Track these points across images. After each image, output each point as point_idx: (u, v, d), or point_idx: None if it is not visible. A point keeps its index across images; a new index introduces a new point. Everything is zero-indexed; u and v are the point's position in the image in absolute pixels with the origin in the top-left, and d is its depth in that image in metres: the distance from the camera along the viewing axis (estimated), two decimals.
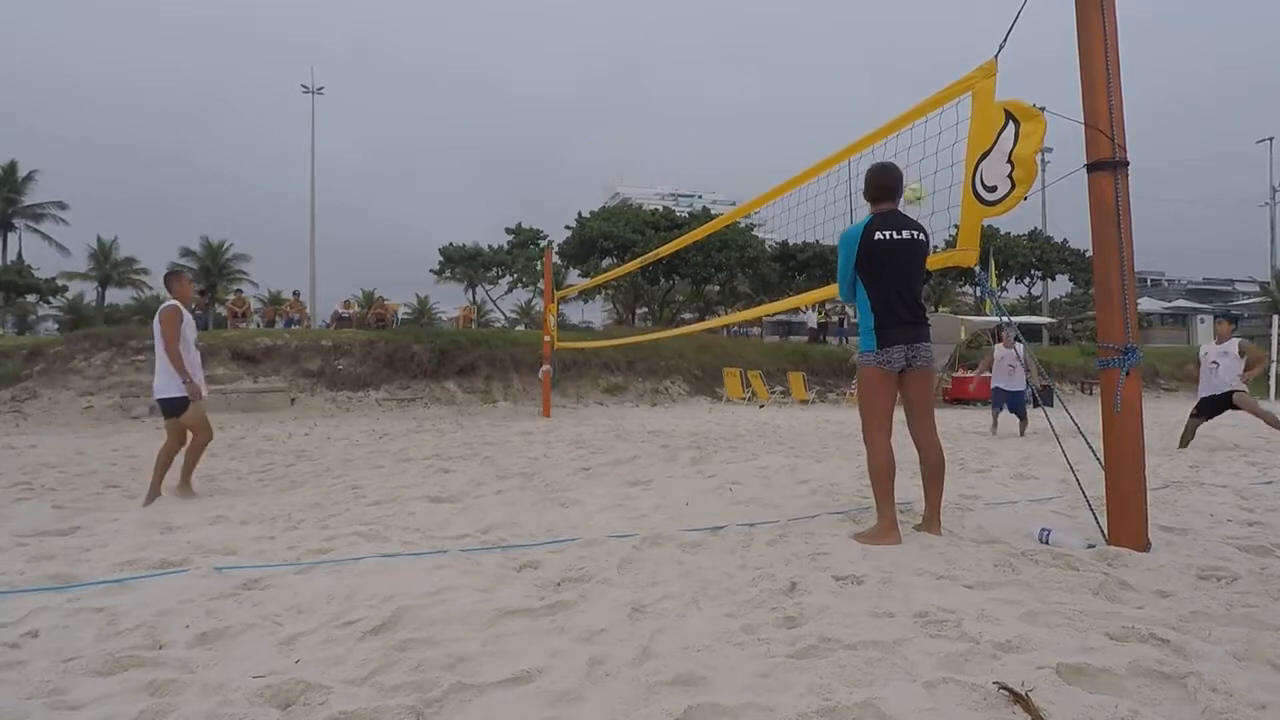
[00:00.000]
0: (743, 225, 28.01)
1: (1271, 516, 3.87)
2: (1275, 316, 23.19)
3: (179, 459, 4.99)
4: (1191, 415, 7.62)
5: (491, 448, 7.71)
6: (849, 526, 3.65)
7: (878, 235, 3.38)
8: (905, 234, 3.43)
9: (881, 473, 3.38)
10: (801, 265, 28.72)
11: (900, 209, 3.57)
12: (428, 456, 6.96)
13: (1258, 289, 40.51)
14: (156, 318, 4.90)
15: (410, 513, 4.18)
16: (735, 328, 27.61)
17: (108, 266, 37.95)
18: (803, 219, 6.10)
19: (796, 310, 30.88)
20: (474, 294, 35.20)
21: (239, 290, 24.25)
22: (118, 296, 40.51)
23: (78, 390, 12.68)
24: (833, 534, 3.45)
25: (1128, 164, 3.21)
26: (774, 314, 29.81)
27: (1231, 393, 7.35)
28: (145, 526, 3.82)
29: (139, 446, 7.89)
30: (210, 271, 37.00)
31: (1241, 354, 7.43)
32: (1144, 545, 3.07)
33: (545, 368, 13.28)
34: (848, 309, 30.30)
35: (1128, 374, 3.14)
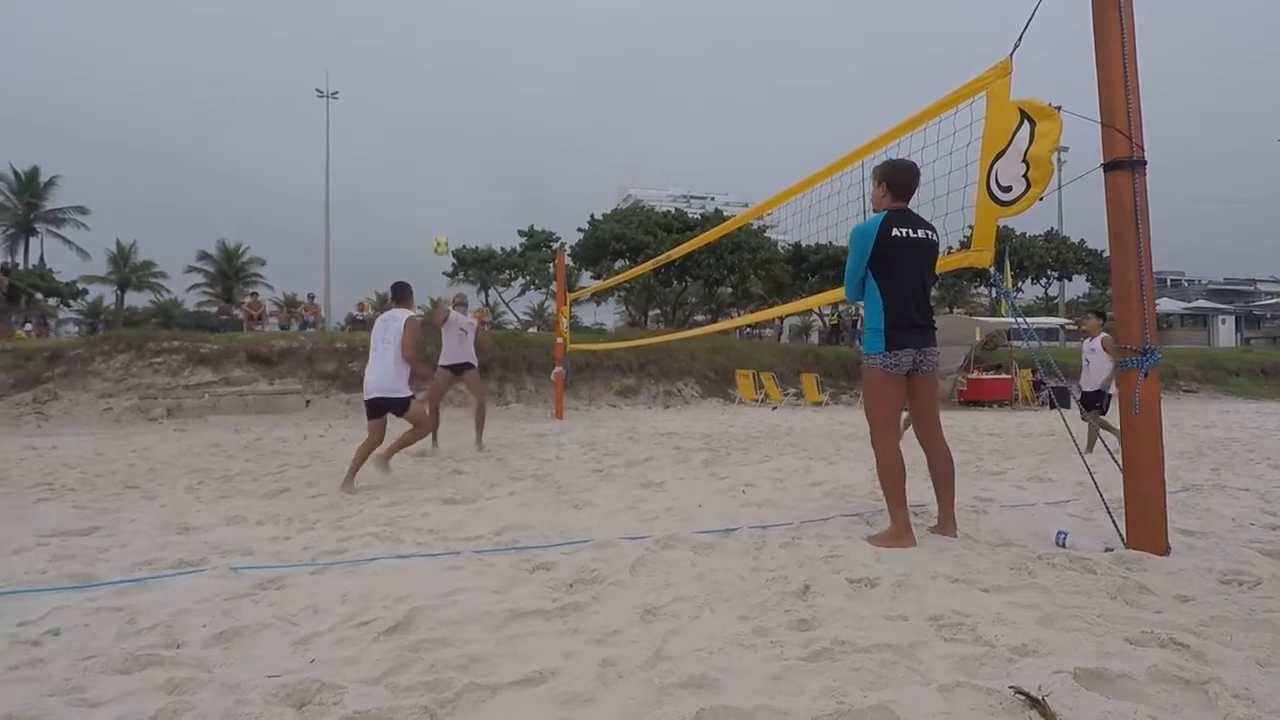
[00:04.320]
0: (755, 227, 27.92)
1: None
2: None
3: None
4: (1081, 416, 7.61)
5: (504, 449, 7.73)
6: (862, 529, 3.63)
7: (895, 232, 3.29)
8: (920, 233, 3.36)
9: (892, 476, 3.33)
10: (814, 267, 28.57)
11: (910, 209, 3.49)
12: (441, 458, 6.99)
13: None
14: (402, 323, 5.43)
15: (424, 514, 4.20)
16: (748, 329, 27.53)
17: (126, 270, 38.47)
18: (816, 220, 6.08)
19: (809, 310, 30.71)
20: (487, 296, 35.34)
21: (254, 293, 24.51)
22: (136, 300, 41.08)
23: (97, 392, 12.84)
24: (846, 536, 3.44)
25: (1145, 163, 3.17)
26: (787, 315, 29.68)
27: (1098, 392, 7.45)
28: (163, 527, 3.86)
29: (157, 448, 7.99)
30: (226, 275, 37.42)
31: (1105, 348, 7.33)
32: (1163, 549, 3.03)
33: (558, 369, 13.30)
34: (861, 311, 30.11)
35: (1146, 375, 3.10)
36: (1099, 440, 7.11)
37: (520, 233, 32.78)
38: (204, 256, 37.70)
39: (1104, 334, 7.68)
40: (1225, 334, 34.71)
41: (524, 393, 15.70)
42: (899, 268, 3.31)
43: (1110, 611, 2.35)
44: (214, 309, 38.29)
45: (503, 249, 32.70)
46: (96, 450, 7.81)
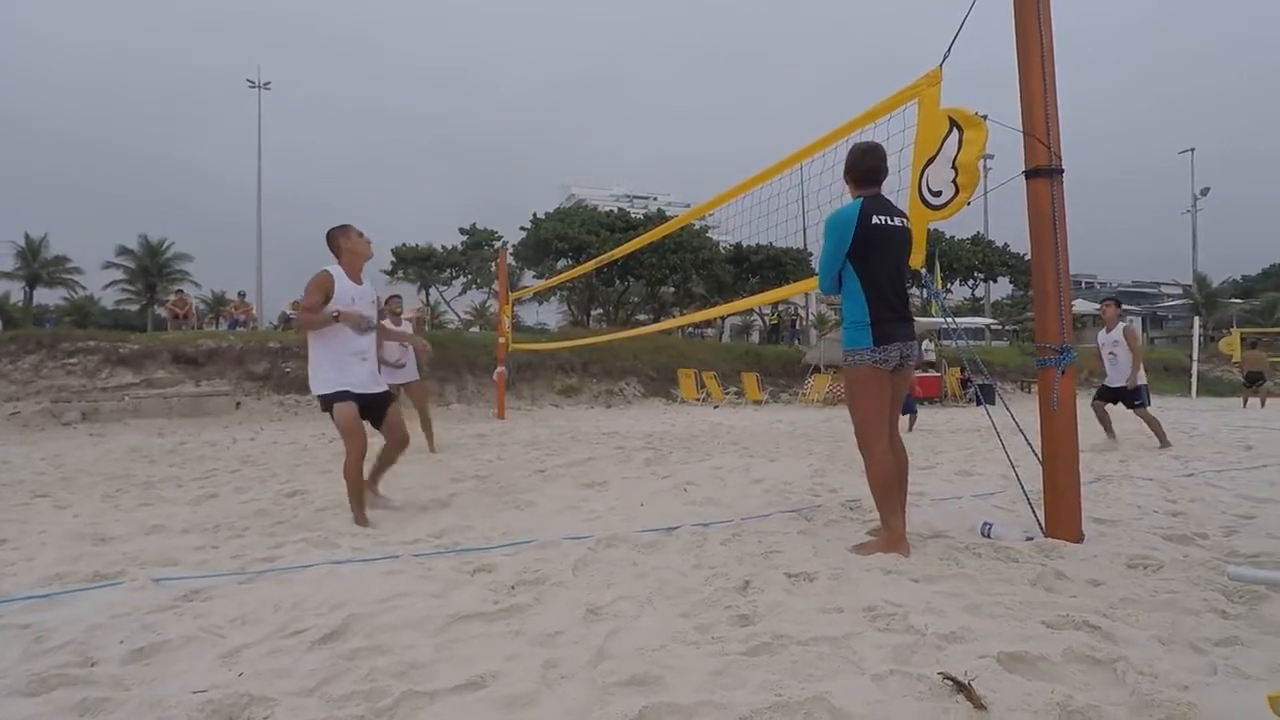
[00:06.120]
0: (697, 227, 28.22)
1: (1193, 507, 4.08)
2: (1196, 318, 24.46)
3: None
4: (1095, 402, 7.61)
5: (445, 450, 7.60)
6: (801, 524, 3.71)
7: (874, 220, 3.11)
8: (897, 220, 3.21)
9: (887, 482, 3.13)
10: (755, 267, 29.07)
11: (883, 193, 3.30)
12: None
13: (1180, 291, 42.55)
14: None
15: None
16: (689, 329, 27.80)
17: (36, 265, 36.12)
18: (756, 220, 6.20)
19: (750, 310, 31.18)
20: (427, 295, 34.64)
21: (180, 291, 23.36)
22: (47, 297, 38.65)
23: (3, 395, 12.02)
24: (785, 532, 3.51)
25: (1063, 171, 3.34)
26: (728, 315, 30.08)
27: (1125, 389, 7.45)
28: (77, 538, 3.65)
29: (70, 454, 7.53)
30: (149, 271, 35.55)
31: (1129, 340, 7.49)
32: (1078, 537, 3.20)
33: (500, 369, 13.15)
34: (800, 311, 30.79)
35: (1063, 373, 3.27)
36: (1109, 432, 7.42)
37: (462, 231, 32.30)
38: (124, 252, 35.65)
39: (1124, 324, 7.61)
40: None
41: (465, 393, 15.45)
42: (881, 258, 3.14)
43: (1030, 597, 2.47)
44: (135, 307, 36.30)
45: (444, 247, 32.16)
46: (2, 458, 7.30)
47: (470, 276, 31.87)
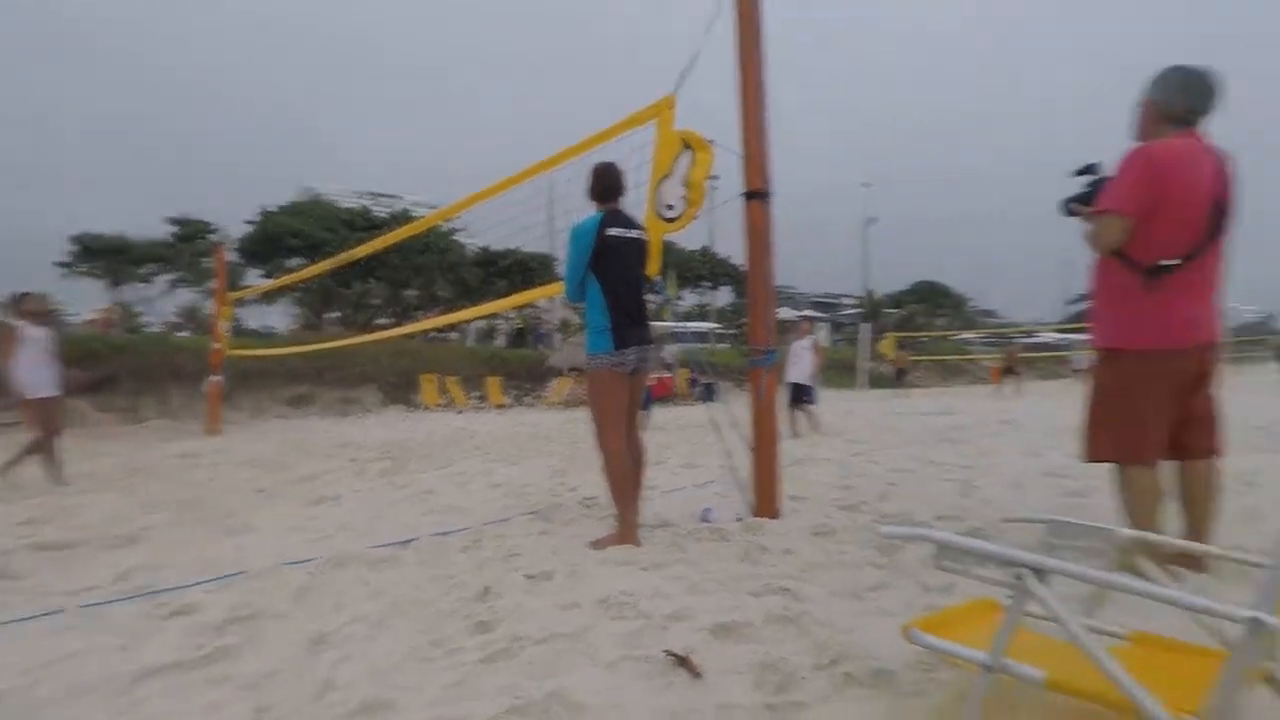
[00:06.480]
0: (444, 229, 27.34)
1: (859, 481, 4.97)
2: (865, 324, 29.61)
3: None
4: (790, 404, 8.91)
5: (137, 475, 6.43)
6: (541, 525, 3.80)
7: (611, 232, 3.36)
8: (634, 232, 3.47)
9: (623, 478, 3.34)
10: (503, 271, 28.97)
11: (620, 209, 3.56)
12: (40, 494, 5.55)
13: (855, 301, 51.34)
14: None
15: (10, 565, 3.30)
16: (433, 333, 26.81)
17: None
18: (505, 224, 6.23)
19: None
20: (121, 293, 28.97)
21: None
22: None
23: None
24: (525, 534, 3.56)
25: (770, 195, 3.81)
26: (475, 319, 29.57)
27: (801, 386, 9.07)
28: None
29: None
30: None
31: (815, 350, 9.33)
32: (777, 514, 3.70)
33: (215, 378, 11.47)
34: (543, 315, 31.32)
35: (768, 371, 3.77)
36: (794, 426, 8.70)
37: (170, 221, 27.80)
38: None
39: (813, 337, 9.48)
40: (823, 338, 43.44)
41: (168, 407, 13.22)
42: (620, 267, 3.38)
43: (738, 571, 2.80)
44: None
45: (146, 239, 27.37)
46: None
47: (181, 273, 27.46)
